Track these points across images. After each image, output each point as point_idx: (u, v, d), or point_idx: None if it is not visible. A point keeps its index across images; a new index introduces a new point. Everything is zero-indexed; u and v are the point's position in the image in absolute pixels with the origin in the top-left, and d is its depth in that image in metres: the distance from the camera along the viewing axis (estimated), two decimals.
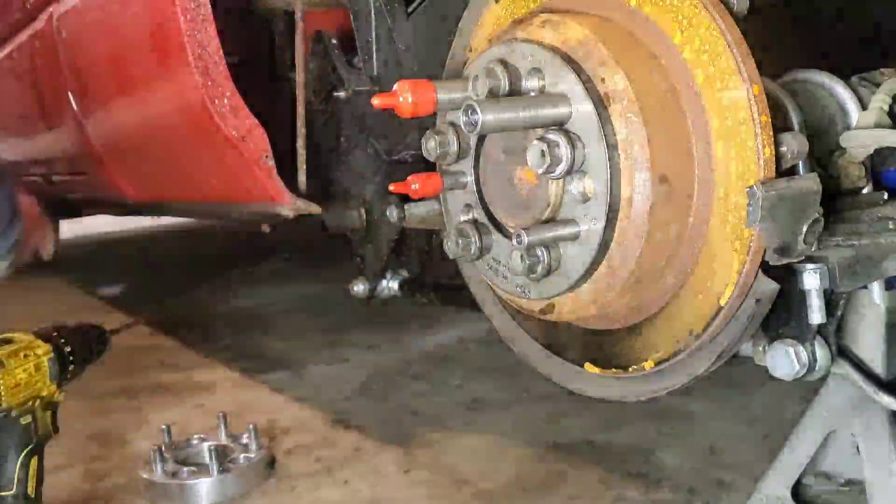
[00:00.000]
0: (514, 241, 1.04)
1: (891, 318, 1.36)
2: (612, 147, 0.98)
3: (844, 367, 1.35)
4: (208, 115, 1.77)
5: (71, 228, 5.82)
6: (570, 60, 1.01)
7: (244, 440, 1.99)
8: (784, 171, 0.98)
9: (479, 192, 1.17)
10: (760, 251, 0.97)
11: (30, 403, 1.52)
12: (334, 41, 1.85)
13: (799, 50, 1.46)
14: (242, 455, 1.94)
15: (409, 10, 1.66)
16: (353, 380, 2.60)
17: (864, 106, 1.28)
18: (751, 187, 0.94)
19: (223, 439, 2.01)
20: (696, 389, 2.10)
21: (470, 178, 1.17)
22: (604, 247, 1.02)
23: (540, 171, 1.00)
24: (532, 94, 1.04)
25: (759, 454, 1.80)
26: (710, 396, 2.14)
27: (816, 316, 1.08)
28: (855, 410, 1.41)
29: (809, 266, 1.06)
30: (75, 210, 4.99)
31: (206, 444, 1.97)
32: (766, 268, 0.99)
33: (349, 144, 1.87)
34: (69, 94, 2.57)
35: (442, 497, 1.74)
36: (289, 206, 1.84)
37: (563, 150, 0.99)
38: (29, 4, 2.78)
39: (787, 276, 1.03)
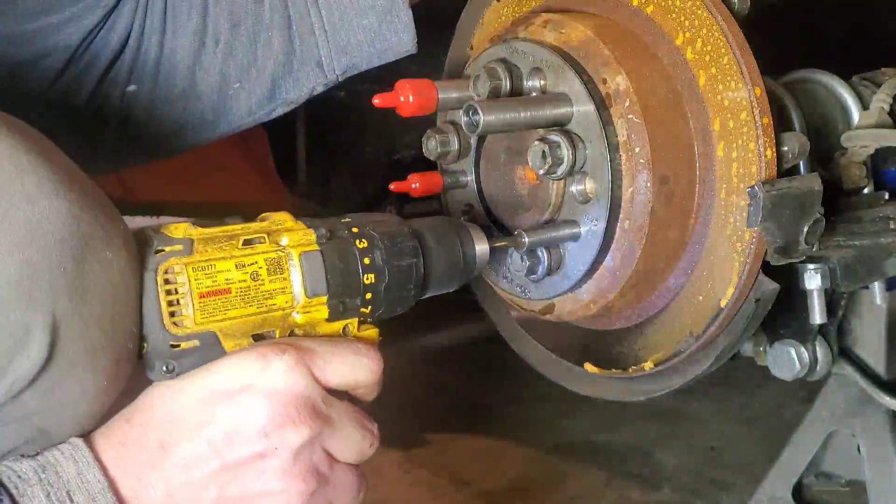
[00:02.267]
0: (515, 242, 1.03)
1: (892, 319, 1.37)
2: (613, 148, 0.98)
3: (845, 368, 1.35)
4: None
5: None
6: (571, 61, 1.01)
7: None
8: (785, 171, 0.98)
9: (480, 191, 1.17)
10: (761, 252, 0.96)
11: None
12: None
13: (800, 49, 1.45)
14: None
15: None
16: None
17: (865, 106, 1.28)
18: (752, 187, 0.94)
19: None
20: (696, 390, 2.10)
21: (470, 178, 1.17)
22: (605, 248, 1.01)
23: (541, 171, 0.99)
24: (533, 94, 1.04)
25: (759, 454, 1.79)
26: (711, 396, 2.14)
27: (817, 316, 1.07)
28: (856, 411, 1.41)
29: (810, 266, 1.06)
30: None
31: None
32: (766, 268, 0.99)
33: (349, 144, 1.87)
34: None
35: (442, 497, 1.74)
36: (289, 205, 1.84)
37: (565, 151, 0.98)
38: None
39: (788, 277, 1.03)
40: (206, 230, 0.81)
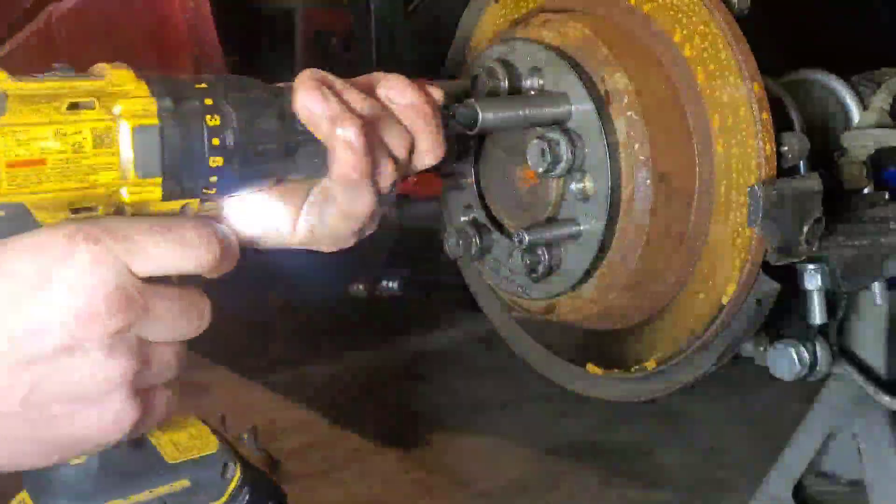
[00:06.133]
0: (515, 241, 1.03)
1: (892, 319, 1.36)
2: (612, 146, 0.98)
3: (845, 368, 1.35)
4: None
5: None
6: (569, 59, 1.01)
7: (244, 441, 1.98)
8: (785, 171, 0.98)
9: (480, 192, 1.17)
10: (762, 249, 0.96)
11: None
12: (334, 41, 1.85)
13: (800, 49, 1.45)
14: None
15: (409, 9, 1.66)
16: (354, 380, 2.60)
17: (865, 105, 1.28)
18: (752, 187, 0.94)
19: None
20: (696, 390, 2.10)
21: (470, 179, 1.17)
22: (605, 246, 1.01)
23: (540, 169, 0.99)
24: (532, 93, 1.04)
25: (759, 454, 1.79)
26: (710, 396, 2.14)
27: (817, 316, 1.07)
28: (856, 411, 1.40)
29: (811, 266, 1.06)
30: None
31: None
32: (767, 268, 0.99)
33: None
34: None
35: (442, 497, 1.74)
36: None
37: (564, 149, 0.98)
38: (28, 4, 2.78)
39: (788, 277, 1.03)
40: (26, 85, 0.70)
